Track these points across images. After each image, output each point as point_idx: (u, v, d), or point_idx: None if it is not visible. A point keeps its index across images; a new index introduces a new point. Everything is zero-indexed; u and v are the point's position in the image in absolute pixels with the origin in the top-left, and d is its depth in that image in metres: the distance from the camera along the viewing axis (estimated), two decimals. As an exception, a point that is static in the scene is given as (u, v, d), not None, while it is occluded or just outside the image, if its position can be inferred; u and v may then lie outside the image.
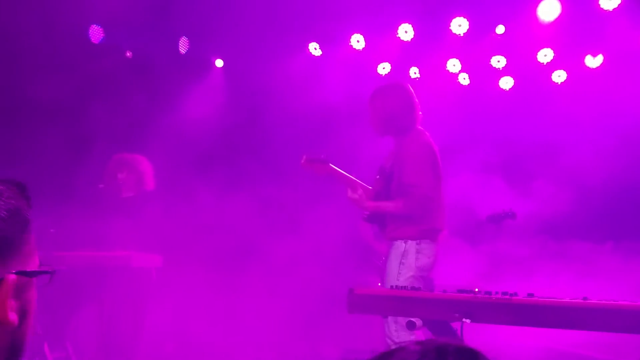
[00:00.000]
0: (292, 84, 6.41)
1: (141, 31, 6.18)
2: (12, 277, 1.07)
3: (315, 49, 6.61)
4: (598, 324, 2.26)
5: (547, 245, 5.80)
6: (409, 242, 3.50)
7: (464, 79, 6.63)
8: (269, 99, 6.65)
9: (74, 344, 4.26)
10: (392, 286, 2.71)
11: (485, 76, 6.56)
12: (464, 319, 2.40)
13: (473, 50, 6.26)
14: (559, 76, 6.36)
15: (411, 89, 3.79)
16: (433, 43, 6.26)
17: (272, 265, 6.03)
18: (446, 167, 6.08)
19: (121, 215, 4.35)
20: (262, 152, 6.74)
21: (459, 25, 5.97)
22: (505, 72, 6.49)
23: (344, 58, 6.55)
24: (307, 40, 6.58)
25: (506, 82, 6.57)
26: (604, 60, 6.07)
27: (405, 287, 2.70)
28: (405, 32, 6.18)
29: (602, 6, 5.47)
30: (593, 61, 6.11)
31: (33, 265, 1.13)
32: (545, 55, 6.16)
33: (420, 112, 3.77)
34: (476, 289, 3.14)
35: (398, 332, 3.28)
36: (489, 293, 2.45)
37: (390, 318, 3.29)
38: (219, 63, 6.82)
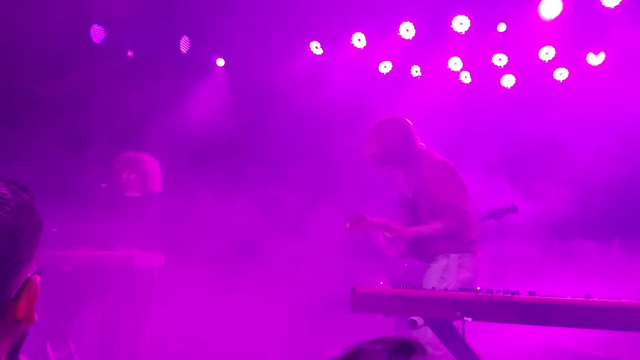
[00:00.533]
0: (294, 83, 6.41)
1: (142, 31, 6.18)
2: (38, 277, 1.09)
3: (317, 47, 6.61)
4: (600, 322, 2.26)
5: (550, 244, 5.79)
6: (451, 256, 3.54)
7: (465, 77, 6.62)
8: (271, 98, 6.65)
9: (76, 343, 4.27)
10: (394, 285, 2.70)
11: (486, 74, 6.55)
12: (465, 318, 2.39)
13: (474, 49, 6.25)
14: (561, 74, 6.35)
15: (407, 121, 3.82)
16: (434, 41, 6.25)
17: (275, 264, 6.03)
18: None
19: (124, 214, 4.35)
20: (264, 152, 6.73)
21: (461, 24, 5.96)
22: (506, 70, 6.48)
23: (345, 57, 6.55)
24: (309, 39, 6.57)
25: (508, 80, 6.56)
26: (605, 57, 6.06)
27: (407, 285, 2.70)
28: (407, 30, 6.17)
29: (603, 3, 5.45)
30: (595, 59, 6.10)
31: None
32: (547, 53, 6.15)
33: (419, 140, 3.79)
34: (478, 287, 3.13)
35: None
36: (491, 291, 2.45)
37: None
38: (220, 62, 6.82)
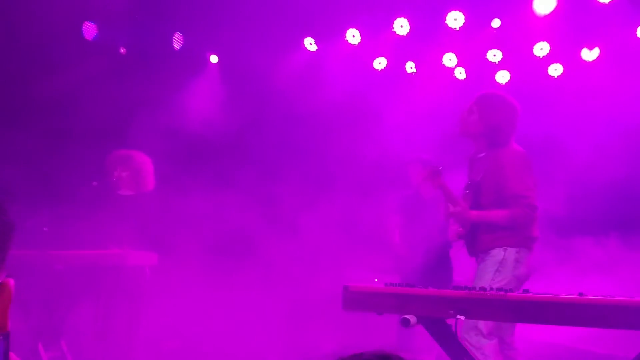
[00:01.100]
0: (288, 80, 6.38)
1: (135, 27, 6.14)
2: (12, 281, 1.04)
3: (311, 44, 6.58)
4: (594, 319, 2.25)
5: (546, 240, 5.78)
6: (509, 249, 3.46)
7: (460, 74, 6.61)
8: (264, 95, 6.62)
9: (69, 343, 4.24)
10: (386, 283, 2.69)
11: (481, 70, 6.53)
12: (458, 316, 2.38)
13: (469, 45, 6.23)
14: (556, 70, 6.34)
15: (518, 105, 3.73)
16: (429, 37, 6.23)
17: (269, 262, 6.01)
18: (442, 162, 6.08)
19: (116, 213, 4.32)
20: (258, 149, 6.71)
21: (455, 19, 5.94)
22: (501, 66, 6.46)
23: (340, 53, 6.52)
24: (303, 35, 6.54)
25: (502, 76, 6.55)
26: (600, 53, 6.05)
27: (400, 283, 2.69)
28: (401, 26, 6.14)
29: (598, -1, 5.44)
30: (589, 54, 6.09)
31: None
32: (541, 49, 6.14)
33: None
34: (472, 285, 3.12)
35: (478, 337, 3.31)
36: (484, 289, 2.43)
37: (470, 323, 3.29)
38: (214, 59, 6.78)
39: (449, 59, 6.47)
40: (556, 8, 5.56)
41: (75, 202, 4.21)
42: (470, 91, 6.61)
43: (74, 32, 5.85)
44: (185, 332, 5.26)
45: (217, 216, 5.72)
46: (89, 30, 5.95)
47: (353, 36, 6.37)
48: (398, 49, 6.49)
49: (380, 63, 6.67)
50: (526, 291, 2.53)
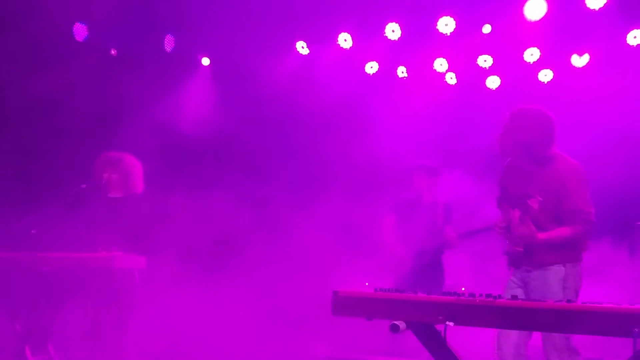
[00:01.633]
0: (280, 83, 6.38)
1: (126, 29, 6.11)
2: None
3: (303, 47, 6.59)
4: (582, 326, 2.26)
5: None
6: (568, 265, 3.45)
7: (451, 79, 6.64)
8: (257, 98, 6.61)
9: (56, 347, 4.21)
10: (375, 288, 2.69)
11: (472, 75, 6.56)
12: (447, 322, 2.38)
13: (460, 50, 6.26)
14: (546, 75, 6.39)
15: (551, 115, 3.65)
16: (420, 42, 6.26)
17: (260, 264, 6.00)
18: (437, 169, 6.08)
19: (105, 215, 4.29)
20: (250, 151, 6.70)
21: (446, 25, 5.97)
22: (492, 71, 6.50)
23: (331, 57, 6.53)
24: (295, 38, 6.55)
25: (493, 82, 6.59)
26: (590, 59, 6.10)
27: (390, 289, 2.69)
28: (393, 31, 6.17)
29: (588, 5, 5.48)
30: (579, 60, 6.14)
31: None
32: (531, 55, 6.18)
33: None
34: (463, 288, 3.12)
35: (572, 358, 3.32)
36: (473, 295, 2.44)
37: (558, 344, 3.31)
38: (206, 61, 6.77)
39: (440, 64, 6.50)
40: (546, 14, 5.60)
41: (64, 205, 4.18)
42: (461, 96, 6.68)
43: (65, 33, 5.82)
44: (175, 335, 5.23)
45: (207, 218, 5.70)
46: (80, 31, 5.92)
47: (345, 40, 6.38)
48: (389, 54, 6.51)
49: (372, 67, 6.69)
50: (514, 297, 2.53)
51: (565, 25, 5.83)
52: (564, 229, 3.43)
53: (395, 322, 2.47)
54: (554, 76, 6.35)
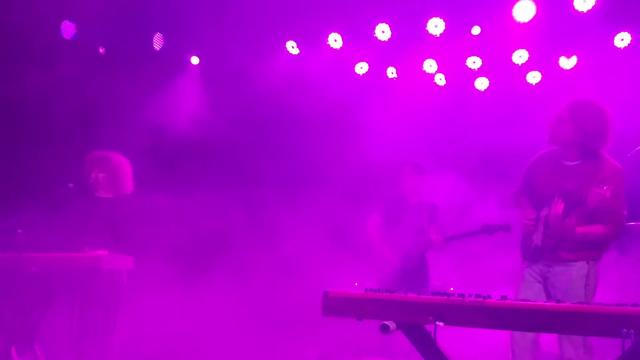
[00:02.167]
0: (270, 83, 6.36)
1: (114, 27, 6.07)
2: None
3: (293, 47, 6.58)
4: (571, 327, 2.27)
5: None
6: (591, 263, 3.47)
7: (440, 80, 6.66)
8: (246, 97, 6.59)
9: (42, 347, 4.16)
10: (366, 289, 2.69)
11: (461, 77, 6.59)
12: (437, 322, 2.39)
13: (449, 51, 6.28)
14: (534, 77, 6.43)
15: (612, 114, 3.60)
16: (410, 43, 6.27)
17: (251, 266, 5.98)
18: (423, 167, 6.09)
19: (93, 215, 4.26)
20: (239, 151, 6.68)
21: (436, 26, 5.99)
22: (480, 73, 6.53)
23: (322, 57, 6.53)
24: (285, 38, 6.53)
25: (482, 83, 6.62)
26: (577, 61, 6.14)
27: (379, 289, 2.69)
28: (383, 32, 6.17)
29: (576, 8, 5.52)
30: (567, 62, 6.18)
31: None
32: (520, 57, 6.22)
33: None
34: (451, 288, 3.13)
35: (587, 355, 3.34)
36: (462, 296, 2.45)
37: (574, 340, 3.31)
38: (195, 60, 6.74)
39: (430, 65, 6.52)
40: (535, 16, 5.64)
41: (51, 204, 4.14)
42: (450, 97, 6.70)
43: (53, 31, 5.77)
44: (163, 337, 5.20)
45: (196, 220, 5.67)
46: (68, 29, 5.87)
47: (335, 40, 6.38)
48: (379, 54, 6.52)
49: (362, 68, 6.70)
50: (504, 298, 2.54)
51: (554, 27, 5.87)
52: (598, 227, 3.44)
53: (386, 322, 2.47)
54: (542, 78, 6.40)
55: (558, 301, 2.44)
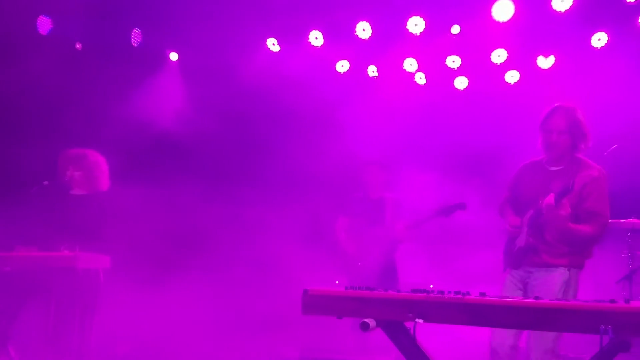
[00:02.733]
0: (250, 80, 6.32)
1: (92, 22, 5.98)
2: None
3: (274, 44, 6.54)
4: (551, 324, 2.29)
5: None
6: (572, 270, 3.47)
7: (420, 79, 6.68)
8: (226, 94, 6.54)
9: (17, 348, 4.08)
10: (346, 287, 2.68)
11: (441, 76, 6.61)
12: (417, 319, 2.38)
13: (429, 50, 6.30)
14: (512, 77, 6.48)
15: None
16: (390, 42, 6.28)
17: (230, 265, 5.94)
18: (402, 166, 6.11)
19: (68, 213, 4.19)
20: (218, 148, 6.63)
21: (416, 25, 6.00)
22: (460, 72, 6.56)
23: (302, 55, 6.50)
24: (266, 35, 6.49)
25: (461, 82, 6.65)
26: (555, 61, 6.21)
27: (360, 287, 2.68)
28: (363, 30, 6.17)
29: (554, 7, 5.58)
30: (545, 62, 6.24)
31: None
32: (499, 56, 6.26)
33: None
34: (431, 285, 3.13)
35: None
36: (442, 292, 2.45)
37: (542, 346, 3.33)
38: (174, 56, 6.67)
39: (410, 64, 6.54)
40: (514, 16, 5.68)
41: (26, 202, 4.06)
42: (430, 96, 6.73)
43: (28, 26, 5.66)
44: (140, 337, 5.13)
45: (175, 217, 5.61)
46: (44, 24, 5.77)
47: (316, 38, 6.36)
48: (360, 53, 6.52)
49: (342, 66, 6.69)
50: (483, 294, 2.55)
51: (532, 27, 5.92)
52: (586, 227, 3.46)
53: (366, 320, 2.46)
54: (520, 77, 6.45)
55: (536, 298, 2.46)
